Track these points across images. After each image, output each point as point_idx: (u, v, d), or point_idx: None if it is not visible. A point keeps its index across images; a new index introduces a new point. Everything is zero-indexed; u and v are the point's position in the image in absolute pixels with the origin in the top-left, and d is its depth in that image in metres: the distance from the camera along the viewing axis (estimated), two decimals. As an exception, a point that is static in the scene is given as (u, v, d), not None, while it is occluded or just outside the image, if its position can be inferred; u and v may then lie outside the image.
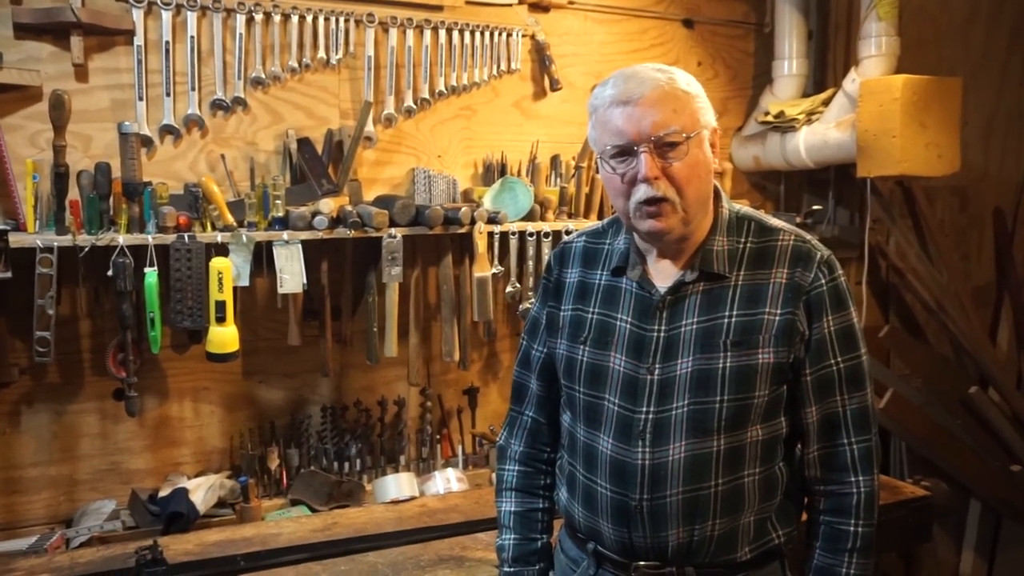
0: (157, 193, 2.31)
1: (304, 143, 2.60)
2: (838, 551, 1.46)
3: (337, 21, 2.61)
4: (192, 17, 2.44)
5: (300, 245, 2.42)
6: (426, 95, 2.77)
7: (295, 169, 2.60)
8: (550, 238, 2.76)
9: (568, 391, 1.54)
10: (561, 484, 1.60)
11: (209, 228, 2.38)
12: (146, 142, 2.43)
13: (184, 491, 2.37)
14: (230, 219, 2.38)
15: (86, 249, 2.22)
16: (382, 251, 2.55)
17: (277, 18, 2.54)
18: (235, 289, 2.37)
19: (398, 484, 2.55)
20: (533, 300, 2.03)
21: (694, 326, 1.42)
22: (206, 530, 2.29)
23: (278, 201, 2.42)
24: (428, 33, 2.73)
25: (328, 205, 2.48)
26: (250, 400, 2.68)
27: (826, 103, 3.05)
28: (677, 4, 3.18)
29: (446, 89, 2.80)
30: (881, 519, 1.49)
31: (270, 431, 2.67)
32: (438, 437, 2.87)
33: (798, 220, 3.10)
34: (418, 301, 2.77)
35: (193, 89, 2.48)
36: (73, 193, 2.25)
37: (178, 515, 2.31)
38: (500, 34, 2.84)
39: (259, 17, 2.51)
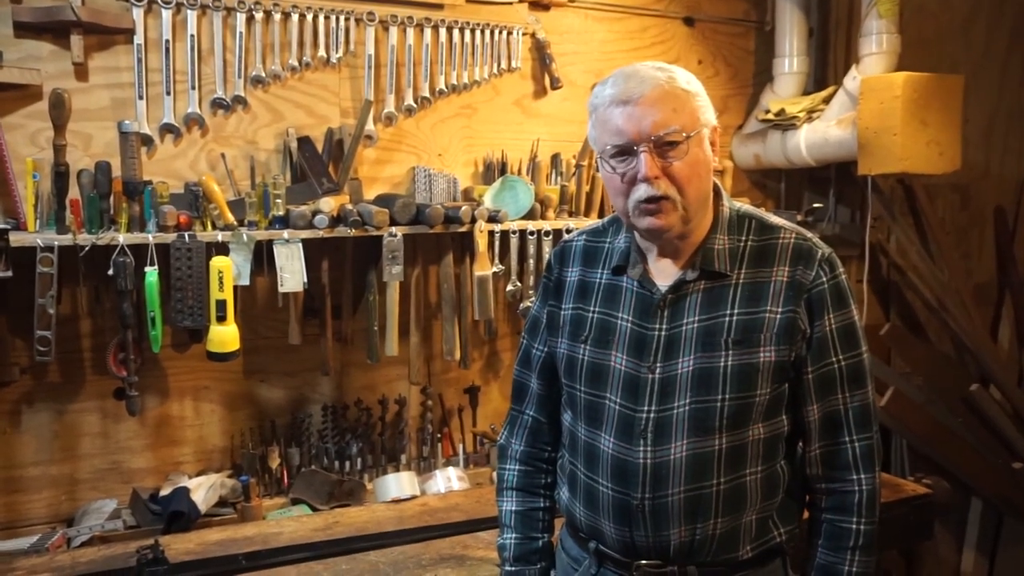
0: (157, 192, 2.30)
1: (304, 142, 2.60)
2: (840, 549, 1.46)
3: (337, 19, 2.61)
4: (192, 16, 2.44)
5: (300, 244, 2.42)
6: (426, 93, 2.77)
7: (295, 168, 2.60)
8: (551, 237, 2.76)
9: (569, 390, 1.54)
10: (562, 483, 1.60)
11: (209, 227, 2.38)
12: (146, 141, 2.43)
13: (185, 490, 2.37)
14: (230, 218, 2.38)
15: (86, 248, 2.22)
16: (383, 250, 2.55)
17: (277, 16, 2.53)
18: (236, 288, 2.36)
19: (399, 483, 2.55)
20: (534, 299, 2.02)
21: (695, 325, 1.42)
22: (207, 529, 2.29)
23: (278, 200, 2.42)
24: (428, 31, 2.73)
25: (328, 204, 2.47)
26: (251, 399, 2.68)
27: (827, 101, 3.04)
28: (678, 2, 3.18)
29: (446, 87, 2.80)
30: (882, 517, 1.49)
31: (271, 430, 2.67)
32: (439, 436, 2.87)
33: (799, 218, 3.10)
34: (419, 300, 2.77)
35: (193, 88, 2.47)
36: (73, 192, 2.25)
37: (179, 514, 2.31)
38: (500, 32, 2.84)
39: (259, 15, 2.51)
